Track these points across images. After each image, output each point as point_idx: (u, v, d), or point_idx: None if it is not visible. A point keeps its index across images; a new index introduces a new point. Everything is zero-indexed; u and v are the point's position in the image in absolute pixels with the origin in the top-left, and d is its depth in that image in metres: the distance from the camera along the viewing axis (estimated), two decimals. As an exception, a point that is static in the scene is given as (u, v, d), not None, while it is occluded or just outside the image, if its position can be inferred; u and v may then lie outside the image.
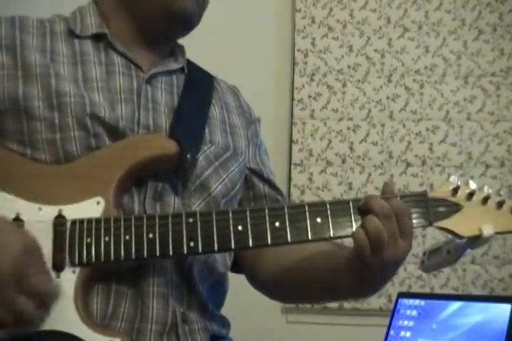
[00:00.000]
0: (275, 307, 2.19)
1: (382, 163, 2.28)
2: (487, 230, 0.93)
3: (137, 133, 1.01)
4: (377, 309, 2.17)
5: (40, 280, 0.86)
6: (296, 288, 1.10)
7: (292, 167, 2.29)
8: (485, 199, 0.96)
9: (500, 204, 0.96)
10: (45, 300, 0.87)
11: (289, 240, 0.92)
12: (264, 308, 1.99)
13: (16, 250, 0.84)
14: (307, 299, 1.26)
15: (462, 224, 0.94)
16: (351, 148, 2.29)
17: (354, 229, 0.91)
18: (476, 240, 0.95)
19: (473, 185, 0.97)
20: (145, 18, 1.09)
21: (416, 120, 2.30)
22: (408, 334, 1.45)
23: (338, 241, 0.98)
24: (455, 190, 0.96)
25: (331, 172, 2.28)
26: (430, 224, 0.94)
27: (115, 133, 0.99)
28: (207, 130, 1.10)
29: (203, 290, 1.03)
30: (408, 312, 1.49)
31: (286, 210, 0.92)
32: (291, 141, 2.31)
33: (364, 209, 0.91)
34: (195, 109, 1.10)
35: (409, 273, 2.18)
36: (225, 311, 1.12)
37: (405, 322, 1.48)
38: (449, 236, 0.97)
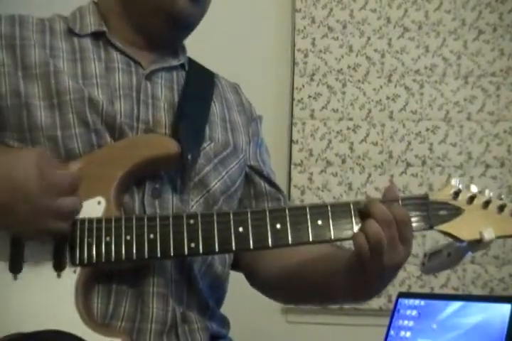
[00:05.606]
0: (275, 307, 2.19)
1: (382, 163, 2.28)
2: (488, 234, 0.93)
3: (137, 129, 1.02)
4: (377, 309, 2.16)
5: (64, 174, 0.91)
6: (295, 289, 1.10)
7: (292, 167, 2.29)
8: (486, 203, 0.95)
9: (501, 208, 0.95)
10: (75, 187, 0.91)
11: (290, 242, 0.91)
12: (264, 308, 1.98)
13: (32, 159, 0.87)
14: (306, 301, 1.25)
15: (463, 227, 0.94)
16: (351, 148, 2.29)
17: (355, 231, 0.91)
18: (477, 244, 0.94)
19: (474, 189, 0.96)
20: (144, 21, 1.09)
21: (416, 120, 2.30)
22: (408, 334, 1.45)
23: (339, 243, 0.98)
24: (456, 194, 0.95)
25: (331, 173, 2.28)
26: (431, 227, 0.94)
27: (114, 128, 0.99)
28: (207, 127, 1.09)
29: (203, 287, 1.03)
30: (408, 312, 1.48)
31: (287, 212, 0.92)
32: (291, 141, 2.31)
33: (365, 212, 0.91)
34: (197, 107, 1.10)
35: (409, 273, 2.18)
36: (224, 311, 1.12)
37: (405, 322, 1.47)
38: (450, 239, 0.97)
